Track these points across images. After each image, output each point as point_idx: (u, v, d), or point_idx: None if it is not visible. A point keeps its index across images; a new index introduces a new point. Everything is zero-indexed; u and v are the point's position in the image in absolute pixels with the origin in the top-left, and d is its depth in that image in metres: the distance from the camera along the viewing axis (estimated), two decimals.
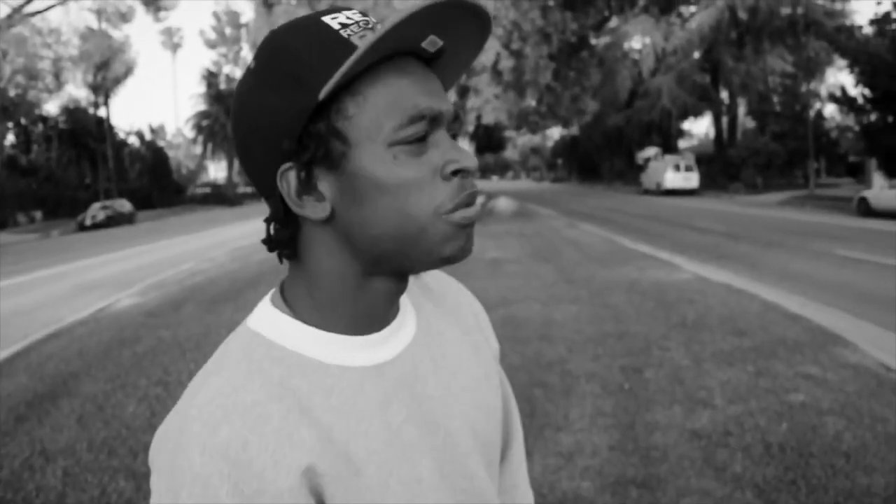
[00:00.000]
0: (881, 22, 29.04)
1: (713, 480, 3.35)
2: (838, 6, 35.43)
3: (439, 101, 0.64)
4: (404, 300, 0.77)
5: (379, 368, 0.69)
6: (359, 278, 0.68)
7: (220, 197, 53.82)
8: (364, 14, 0.66)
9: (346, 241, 0.66)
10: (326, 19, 0.63)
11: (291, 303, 0.70)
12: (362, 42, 0.60)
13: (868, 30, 30.23)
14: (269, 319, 0.69)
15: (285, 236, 0.68)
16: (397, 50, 0.62)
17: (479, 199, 0.67)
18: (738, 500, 3.15)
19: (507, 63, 16.42)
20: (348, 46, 0.61)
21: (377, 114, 0.62)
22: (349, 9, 0.66)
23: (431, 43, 0.64)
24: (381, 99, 0.62)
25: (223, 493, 0.56)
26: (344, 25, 0.63)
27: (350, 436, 0.64)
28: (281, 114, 0.62)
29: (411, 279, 0.77)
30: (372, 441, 0.65)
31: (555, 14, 16.65)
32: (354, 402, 0.66)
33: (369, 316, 0.69)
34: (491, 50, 16.28)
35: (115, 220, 34.08)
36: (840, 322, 6.73)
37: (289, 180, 0.64)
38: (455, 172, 0.64)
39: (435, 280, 0.88)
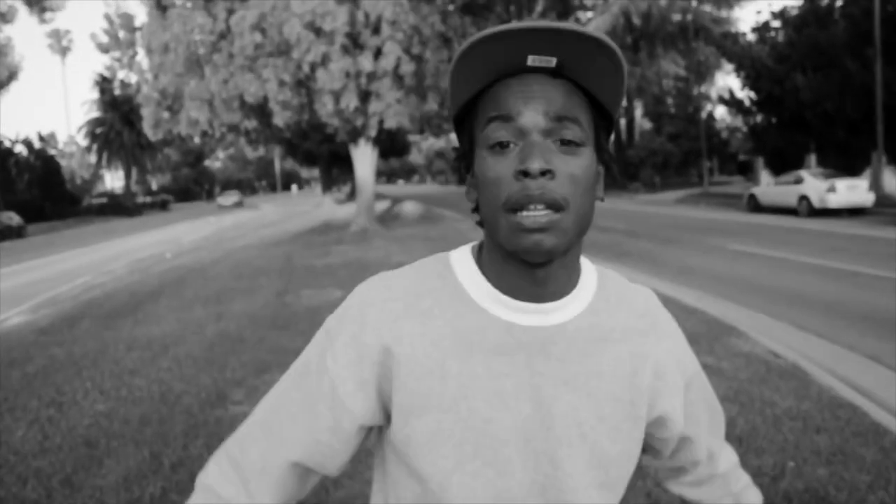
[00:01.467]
0: (762, 29, 30.71)
1: None
2: (724, 14, 37.27)
3: (526, 110, 0.75)
4: (596, 298, 0.88)
5: (509, 325, 0.82)
6: (501, 257, 0.82)
7: (118, 207, 51.67)
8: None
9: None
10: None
11: (480, 251, 0.88)
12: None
13: (751, 36, 31.92)
14: (461, 253, 0.89)
15: (466, 182, 0.88)
16: (499, 72, 0.76)
17: (541, 213, 0.74)
18: (640, 488, 3.25)
19: (407, 67, 16.43)
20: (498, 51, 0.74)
21: (479, 122, 0.79)
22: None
23: (537, 60, 0.75)
24: (481, 110, 0.79)
25: (337, 320, 0.87)
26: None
27: (449, 353, 0.81)
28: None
29: (638, 294, 0.93)
30: (466, 366, 0.81)
31: (454, 19, 16.79)
32: (473, 333, 0.82)
33: (516, 287, 0.82)
34: (391, 54, 16.26)
35: (2, 234, 32.22)
36: (733, 313, 7.07)
37: (461, 165, 0.86)
38: (523, 173, 0.74)
39: (663, 314, 0.94)
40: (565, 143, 0.76)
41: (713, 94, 42.07)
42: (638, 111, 46.35)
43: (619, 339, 0.87)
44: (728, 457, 1.09)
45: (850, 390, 4.61)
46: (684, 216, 20.28)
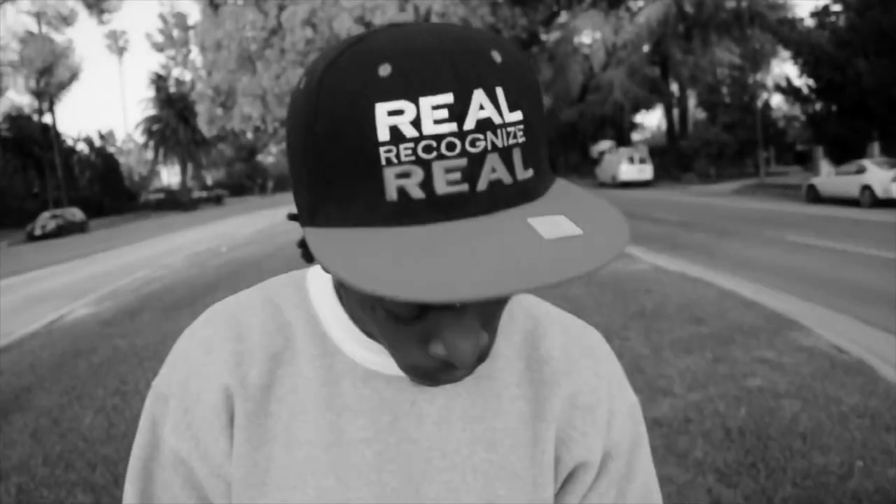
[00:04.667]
0: (821, 14, 29.80)
1: (675, 467, 3.39)
2: None
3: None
4: (500, 339, 0.70)
5: (372, 375, 0.65)
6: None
7: (174, 202, 52.91)
8: (457, 111, 0.46)
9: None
10: (379, 112, 0.46)
11: None
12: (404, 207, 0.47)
13: (809, 22, 31.01)
14: (317, 277, 0.70)
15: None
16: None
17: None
18: (700, 485, 3.20)
19: None
20: (373, 190, 0.47)
21: None
22: (439, 87, 0.46)
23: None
24: None
25: (167, 375, 0.68)
26: (396, 138, 0.46)
27: (297, 412, 0.64)
28: (300, 186, 0.55)
29: (524, 325, 0.72)
30: (317, 430, 0.64)
31: (504, 10, 16.72)
32: (328, 385, 0.65)
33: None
34: None
35: (66, 230, 33.27)
36: (793, 307, 6.89)
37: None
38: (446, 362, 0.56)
39: (564, 355, 0.71)
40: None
41: (769, 82, 41.05)
42: (691, 101, 45.46)
43: (522, 393, 0.68)
44: None
45: None
46: (740, 207, 19.84)
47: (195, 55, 56.83)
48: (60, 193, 43.45)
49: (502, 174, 0.48)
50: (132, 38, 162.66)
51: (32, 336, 8.03)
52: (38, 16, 43.19)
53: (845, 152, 25.89)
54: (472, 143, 0.46)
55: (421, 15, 16.38)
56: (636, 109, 46.48)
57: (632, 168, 35.08)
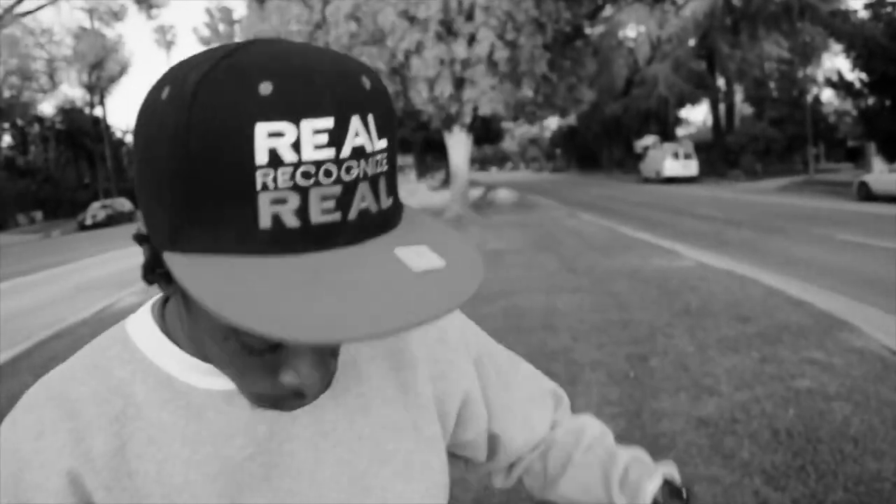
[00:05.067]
0: (876, 6, 28.97)
1: (721, 468, 3.34)
2: None
3: None
4: None
5: (229, 396, 0.62)
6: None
7: None
8: (336, 136, 0.46)
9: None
10: (259, 132, 0.44)
11: (167, 313, 0.65)
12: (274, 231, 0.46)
13: (863, 13, 30.17)
14: (138, 324, 0.65)
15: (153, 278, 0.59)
16: None
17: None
18: (746, 486, 3.14)
19: (501, 54, 16.34)
20: (246, 216, 0.46)
21: None
22: (319, 110, 0.46)
23: None
24: None
25: (9, 467, 0.59)
26: (274, 161, 0.45)
27: (166, 459, 0.60)
28: (158, 211, 0.51)
29: None
30: (195, 468, 0.61)
31: (548, 3, 16.56)
32: (184, 422, 0.61)
33: None
34: (485, 41, 16.20)
35: (115, 219, 34.08)
36: (843, 306, 6.71)
37: (147, 249, 0.57)
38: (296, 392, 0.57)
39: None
40: None
41: (820, 76, 40.08)
42: (738, 96, 44.62)
43: (376, 353, 0.71)
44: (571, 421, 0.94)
45: None
46: (788, 205, 19.42)
47: None
48: (110, 184, 44.48)
49: (370, 203, 0.49)
50: (179, 32, 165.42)
51: (83, 323, 8.23)
52: (91, 12, 44.18)
53: None
54: (347, 171, 0.47)
55: (465, 9, 16.31)
56: (681, 104, 45.83)
57: (676, 164, 34.59)
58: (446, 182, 38.92)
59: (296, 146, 0.44)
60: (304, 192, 0.45)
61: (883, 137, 27.17)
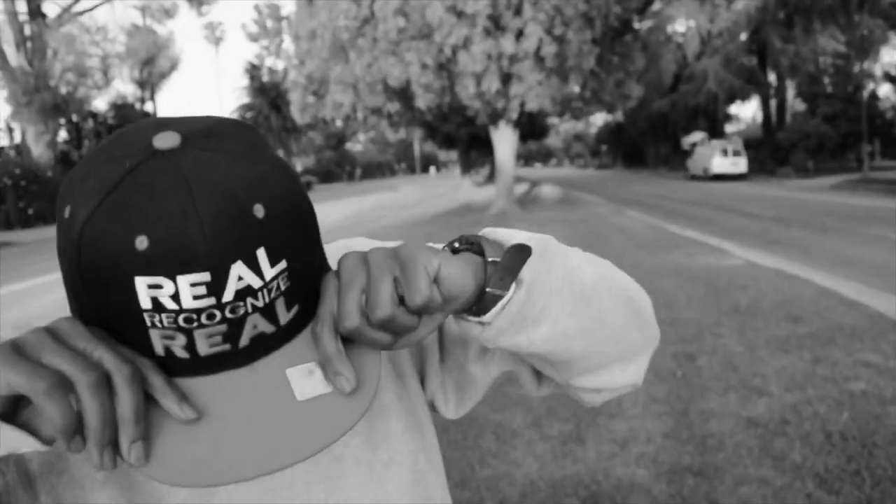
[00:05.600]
0: None
1: (771, 469, 3.27)
2: None
3: None
4: None
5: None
6: None
7: None
8: (215, 287, 0.48)
9: None
10: (139, 285, 0.47)
11: None
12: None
13: None
14: None
15: None
16: None
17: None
18: (798, 489, 3.07)
19: (549, 49, 16.21)
20: (142, 344, 0.49)
21: None
22: (193, 266, 0.47)
23: None
24: None
25: None
26: (157, 308, 0.48)
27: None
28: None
29: None
30: None
31: None
32: None
33: None
34: (533, 36, 16.09)
35: None
36: None
37: None
38: None
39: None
40: None
41: (878, 70, 38.94)
42: (790, 91, 43.60)
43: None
44: None
45: None
46: (841, 203, 18.93)
47: (288, 45, 58.29)
48: None
49: (264, 327, 0.51)
50: (228, 28, 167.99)
51: None
52: (143, 9, 45.11)
53: None
54: (233, 311, 0.48)
55: (513, 3, 16.22)
56: (731, 100, 44.93)
57: (725, 161, 33.97)
58: (491, 177, 38.83)
59: (175, 297, 0.47)
60: (188, 333, 0.48)
61: None
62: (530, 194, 29.46)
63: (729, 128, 52.99)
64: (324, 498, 0.68)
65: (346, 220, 21.67)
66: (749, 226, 14.10)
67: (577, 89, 17.75)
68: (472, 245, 0.62)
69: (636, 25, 20.05)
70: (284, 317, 0.52)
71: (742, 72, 39.12)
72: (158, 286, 0.47)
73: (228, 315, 0.49)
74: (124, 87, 68.55)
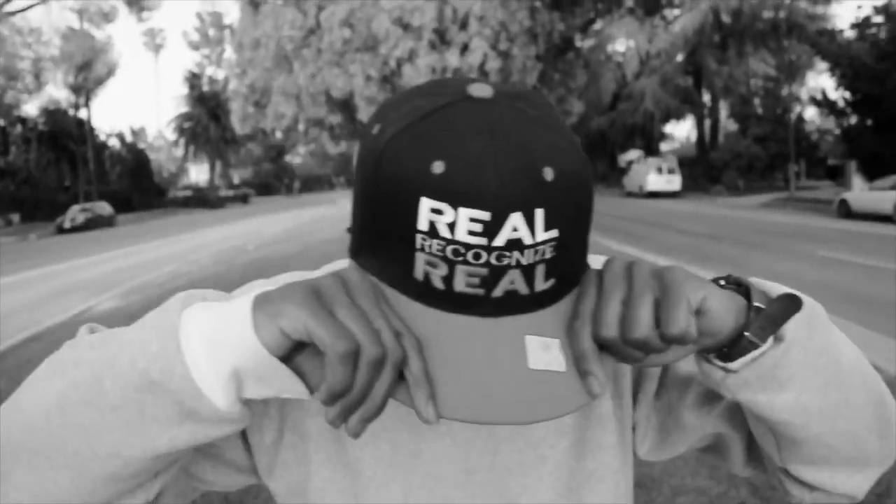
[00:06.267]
0: (862, 26, 29.41)
1: (707, 479, 3.32)
2: (820, 10, 35.79)
3: None
4: None
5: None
6: None
7: (202, 200, 53.44)
8: (490, 229, 0.50)
9: None
10: (423, 206, 0.50)
11: None
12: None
13: (849, 33, 30.59)
14: None
15: None
16: None
17: None
18: (732, 497, 3.13)
19: (494, 64, 16.43)
20: (406, 263, 0.53)
21: None
22: (478, 203, 0.50)
23: None
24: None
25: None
26: (432, 233, 0.51)
27: None
28: (356, 221, 0.60)
29: None
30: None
31: (543, 15, 16.66)
32: None
33: None
34: (478, 50, 16.28)
35: (94, 223, 33.71)
36: None
37: None
38: None
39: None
40: None
41: (804, 94, 40.55)
42: (723, 112, 45.03)
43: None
44: None
45: None
46: (769, 221, 19.59)
47: (230, 54, 57.49)
48: (91, 187, 44.10)
49: (520, 286, 0.52)
50: (169, 35, 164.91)
51: (61, 326, 8.12)
52: (80, 12, 43.93)
53: (879, 168, 25.48)
54: (498, 259, 0.51)
55: (459, 17, 16.36)
56: (666, 119, 46.14)
57: (660, 178, 34.79)
58: None
59: (451, 227, 0.50)
60: (451, 265, 0.51)
61: (863, 156, 27.52)
62: None
63: (664, 146, 54.35)
64: (518, 494, 0.69)
65: (286, 232, 21.41)
66: (683, 242, 14.46)
67: None
68: (740, 286, 0.60)
69: (578, 44, 20.47)
70: (540, 285, 0.53)
71: (678, 92, 40.23)
72: (440, 212, 0.50)
73: (493, 261, 0.50)
74: (58, 91, 66.35)
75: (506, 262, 0.51)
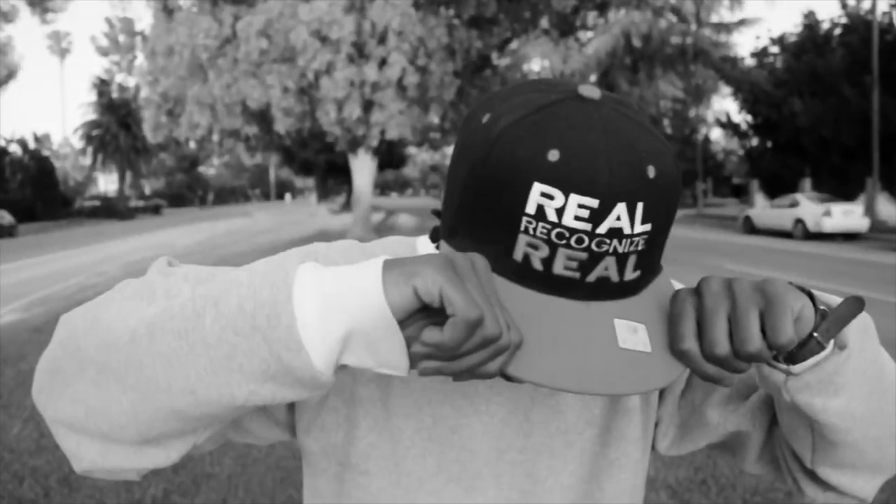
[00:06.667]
0: (760, 55, 31.02)
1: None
2: (723, 38, 37.54)
3: None
4: None
5: None
6: None
7: (111, 210, 51.42)
8: (597, 216, 0.54)
9: None
10: (535, 190, 0.54)
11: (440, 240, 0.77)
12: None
13: (750, 61, 32.19)
14: (425, 241, 0.76)
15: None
16: None
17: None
18: (653, 500, 3.21)
19: (412, 79, 16.47)
20: (507, 244, 0.56)
21: None
22: (590, 193, 0.54)
23: None
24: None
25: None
26: (539, 216, 0.54)
27: None
28: (453, 201, 0.63)
29: None
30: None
31: (460, 32, 16.85)
32: None
33: None
34: (396, 65, 16.30)
35: None
36: None
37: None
38: None
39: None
40: None
41: (710, 116, 42.36)
42: None
43: None
44: None
45: None
46: (680, 236, 20.32)
47: (141, 61, 55.72)
48: None
49: (612, 274, 0.56)
50: (76, 40, 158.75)
51: None
52: None
53: (779, 187, 26.86)
54: (598, 245, 0.54)
55: (378, 32, 16.37)
56: None
57: None
58: (347, 205, 38.72)
59: (559, 212, 0.53)
60: (553, 248, 0.55)
61: (765, 176, 28.94)
62: (387, 223, 29.58)
63: None
64: (544, 476, 0.73)
65: (199, 245, 20.85)
66: None
67: (436, 120, 18.11)
68: (803, 290, 0.61)
69: (495, 62, 20.77)
70: (629, 275, 0.57)
71: None
72: (551, 196, 0.53)
73: (594, 247, 0.54)
74: None
75: (605, 248, 0.54)
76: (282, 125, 17.32)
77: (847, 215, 18.25)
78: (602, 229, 0.54)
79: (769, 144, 29.86)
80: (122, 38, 56.51)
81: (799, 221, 18.80)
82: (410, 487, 0.72)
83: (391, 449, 0.72)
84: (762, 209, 21.49)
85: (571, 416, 0.74)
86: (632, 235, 0.55)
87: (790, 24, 69.54)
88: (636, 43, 36.11)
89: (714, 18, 38.45)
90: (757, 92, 28.80)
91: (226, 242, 21.50)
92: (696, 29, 35.71)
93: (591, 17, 40.00)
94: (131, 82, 56.55)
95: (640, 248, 0.56)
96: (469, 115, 0.62)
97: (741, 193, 35.42)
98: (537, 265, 0.55)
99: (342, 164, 25.02)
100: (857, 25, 25.52)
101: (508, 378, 0.55)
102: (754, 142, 31.45)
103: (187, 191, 73.77)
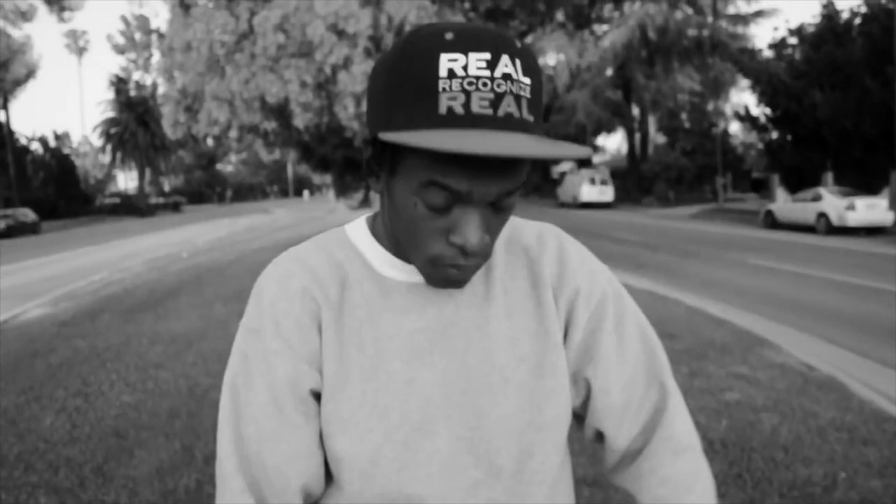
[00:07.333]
0: (778, 46, 30.66)
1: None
2: (740, 30, 37.17)
3: (477, 189, 0.73)
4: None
5: (411, 286, 0.86)
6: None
7: (131, 207, 51.83)
8: (491, 64, 0.70)
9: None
10: (442, 59, 0.70)
11: (375, 223, 0.90)
12: (448, 114, 0.69)
13: (768, 53, 31.84)
14: (356, 225, 0.92)
15: (370, 174, 0.84)
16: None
17: (468, 270, 0.79)
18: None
19: None
20: (431, 106, 0.70)
21: (417, 166, 0.73)
22: (482, 49, 0.70)
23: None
24: (422, 157, 0.72)
25: (261, 309, 0.85)
26: (451, 75, 0.69)
27: (364, 320, 0.84)
28: (381, 107, 0.75)
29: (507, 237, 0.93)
30: (379, 329, 0.84)
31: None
32: (379, 297, 0.85)
33: None
34: None
35: (16, 230, 32.36)
36: (760, 325, 6.99)
37: (368, 149, 0.81)
38: (460, 248, 0.76)
39: (556, 241, 0.94)
40: (503, 206, 0.77)
41: (728, 110, 41.99)
42: (652, 125, 46.23)
43: (519, 274, 0.90)
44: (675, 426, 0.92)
45: (890, 404, 4.52)
46: (701, 230, 20.18)
47: (157, 58, 55.99)
48: (12, 193, 42.27)
49: (513, 110, 0.70)
50: (93, 38, 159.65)
51: None
52: None
53: (800, 181, 26.56)
54: (498, 86, 0.70)
55: (394, 25, 16.35)
56: (598, 132, 47.10)
57: (593, 189, 35.43)
58: (365, 201, 38.72)
59: (465, 67, 0.69)
60: (467, 94, 0.69)
61: (785, 169, 28.63)
62: None
63: (596, 158, 55.42)
64: (488, 410, 0.83)
65: (220, 241, 20.95)
66: (619, 251, 14.74)
67: None
68: None
69: None
70: (526, 115, 0.71)
71: (608, 105, 41.07)
72: (455, 60, 0.69)
73: (495, 88, 0.69)
74: None
75: (504, 89, 0.70)
76: (300, 120, 17.35)
77: (871, 209, 18.03)
78: (498, 73, 0.69)
79: (789, 137, 29.53)
80: (138, 36, 56.82)
81: (822, 215, 18.60)
82: (376, 441, 0.81)
83: (350, 412, 0.82)
84: (784, 203, 21.28)
85: (503, 355, 0.85)
86: (520, 81, 0.71)
87: (808, 15, 68.82)
88: (652, 35, 35.84)
89: (731, 10, 38.15)
90: (776, 84, 28.47)
91: (246, 238, 21.60)
92: (712, 21, 35.38)
93: (606, 10, 39.83)
94: (148, 80, 56.87)
95: (527, 94, 0.71)
96: (379, 59, 0.79)
97: (760, 188, 35.07)
98: (459, 110, 0.69)
99: (360, 159, 25.02)
100: (878, 14, 25.14)
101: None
102: (774, 135, 31.09)
103: (206, 188, 74.20)
